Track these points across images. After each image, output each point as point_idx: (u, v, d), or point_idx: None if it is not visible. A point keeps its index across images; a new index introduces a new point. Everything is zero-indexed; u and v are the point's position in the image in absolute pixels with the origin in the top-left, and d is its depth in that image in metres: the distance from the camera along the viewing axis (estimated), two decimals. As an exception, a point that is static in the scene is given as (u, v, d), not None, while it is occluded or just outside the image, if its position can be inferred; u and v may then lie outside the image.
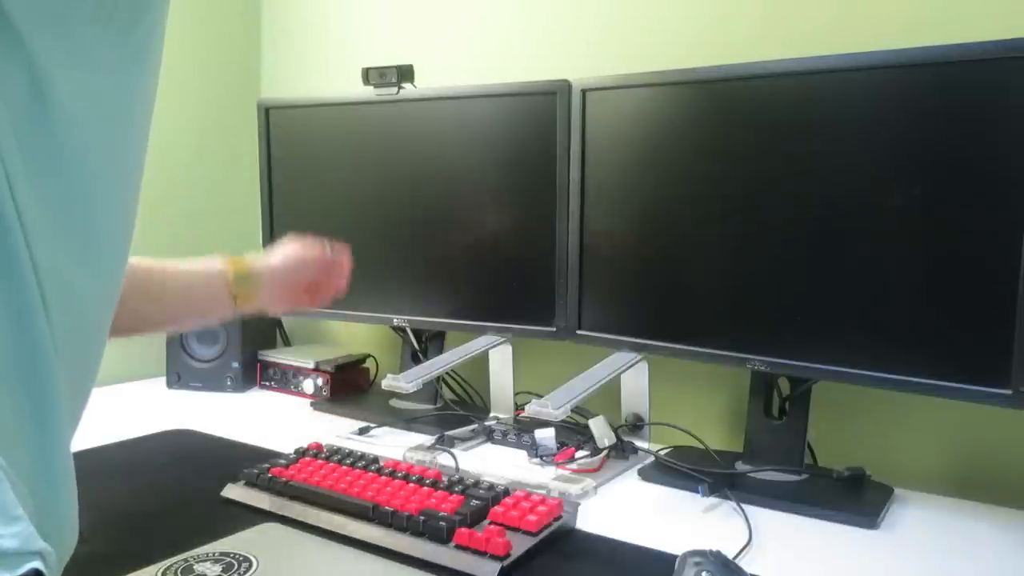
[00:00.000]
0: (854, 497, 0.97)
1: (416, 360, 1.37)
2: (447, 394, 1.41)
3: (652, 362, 1.16)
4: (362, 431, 1.24)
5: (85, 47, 0.49)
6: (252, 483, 0.95)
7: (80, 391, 0.57)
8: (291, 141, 1.44)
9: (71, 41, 0.48)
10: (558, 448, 1.11)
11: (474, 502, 0.87)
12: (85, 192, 0.52)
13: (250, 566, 0.77)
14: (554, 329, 1.21)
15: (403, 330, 1.39)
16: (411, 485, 0.91)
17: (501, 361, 1.28)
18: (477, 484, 0.91)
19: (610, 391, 1.14)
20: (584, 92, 1.15)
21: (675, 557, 0.76)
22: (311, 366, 1.46)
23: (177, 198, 1.61)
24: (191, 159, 1.64)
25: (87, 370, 0.58)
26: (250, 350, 1.51)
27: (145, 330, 0.86)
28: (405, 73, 1.30)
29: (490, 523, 0.84)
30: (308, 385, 1.46)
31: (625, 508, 0.96)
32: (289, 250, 0.98)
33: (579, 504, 0.91)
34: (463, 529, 0.80)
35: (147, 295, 0.81)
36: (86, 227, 0.53)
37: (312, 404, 1.41)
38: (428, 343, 1.39)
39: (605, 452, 1.09)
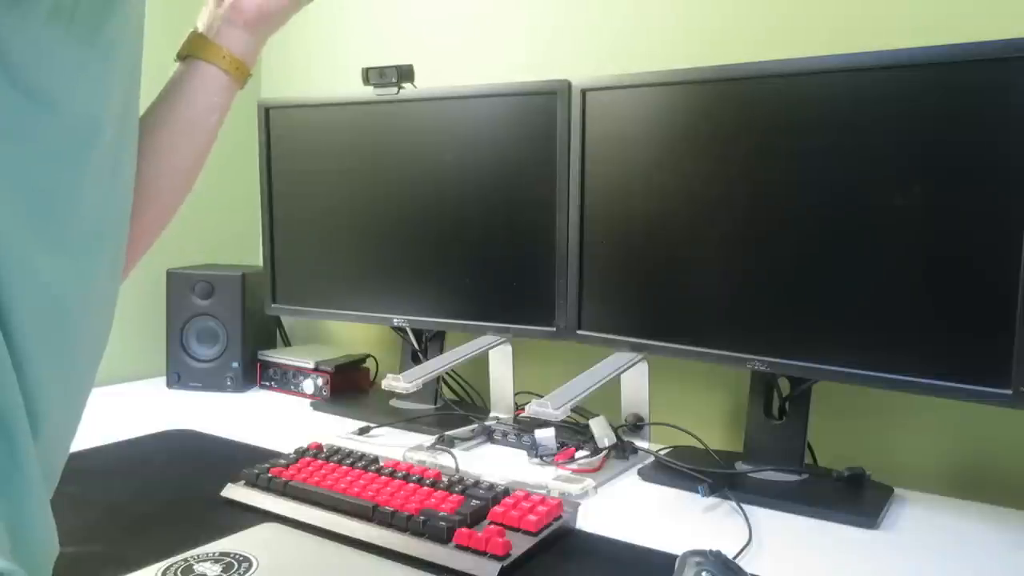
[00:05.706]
0: (854, 497, 0.97)
1: (416, 360, 1.37)
2: (447, 394, 1.42)
3: (652, 362, 1.16)
4: (362, 431, 1.24)
5: (46, 44, 0.49)
6: (252, 483, 0.95)
7: (68, 402, 0.55)
8: (291, 141, 1.44)
9: (29, 36, 0.48)
10: (558, 448, 1.11)
11: (474, 502, 0.87)
12: (54, 182, 0.51)
13: (250, 566, 0.77)
14: (554, 329, 1.21)
15: (403, 330, 1.39)
16: (411, 485, 0.91)
17: (501, 361, 1.28)
18: (477, 484, 0.91)
19: (610, 391, 1.14)
20: (584, 92, 1.15)
21: (675, 557, 0.76)
22: (311, 366, 1.46)
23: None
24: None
25: (76, 378, 0.55)
26: (250, 350, 1.51)
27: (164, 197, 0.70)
28: (405, 73, 1.30)
29: (490, 523, 0.84)
30: (308, 385, 1.46)
31: (625, 508, 0.96)
32: None
33: (579, 504, 0.91)
34: (463, 529, 0.80)
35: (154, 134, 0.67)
36: (62, 216, 0.51)
37: (312, 404, 1.41)
38: (428, 343, 1.39)
39: (605, 452, 1.09)
